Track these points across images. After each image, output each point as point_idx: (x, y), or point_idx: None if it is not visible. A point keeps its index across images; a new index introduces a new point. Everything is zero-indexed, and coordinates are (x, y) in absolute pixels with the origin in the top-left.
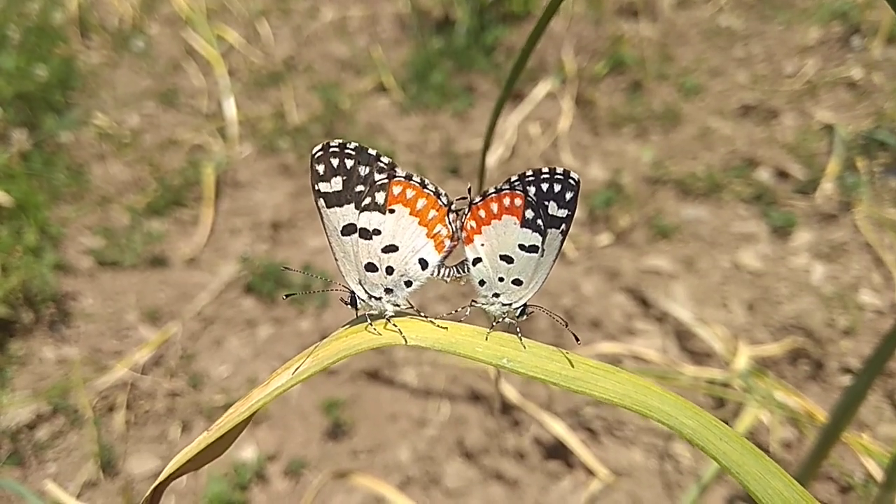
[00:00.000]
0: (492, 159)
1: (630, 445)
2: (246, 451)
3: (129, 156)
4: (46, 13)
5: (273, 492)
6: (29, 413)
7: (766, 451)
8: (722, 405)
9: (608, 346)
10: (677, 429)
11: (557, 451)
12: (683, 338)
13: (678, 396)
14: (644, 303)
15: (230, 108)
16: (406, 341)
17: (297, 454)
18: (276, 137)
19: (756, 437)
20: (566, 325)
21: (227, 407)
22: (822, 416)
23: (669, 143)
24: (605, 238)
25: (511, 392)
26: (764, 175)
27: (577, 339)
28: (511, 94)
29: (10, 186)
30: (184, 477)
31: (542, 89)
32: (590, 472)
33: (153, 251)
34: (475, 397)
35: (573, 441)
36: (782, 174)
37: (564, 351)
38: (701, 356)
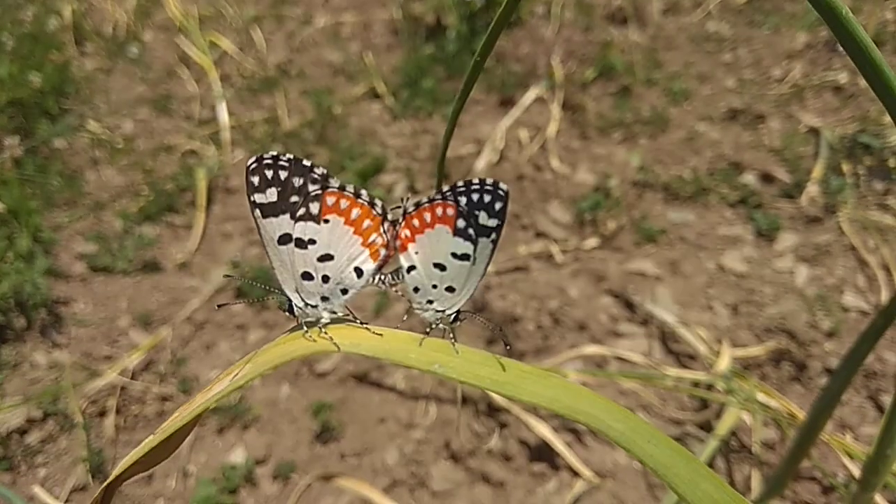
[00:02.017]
0: (480, 164)
1: (614, 447)
2: (235, 455)
3: (122, 162)
4: (41, 20)
5: (262, 495)
6: (20, 418)
7: (749, 452)
8: (705, 407)
9: (593, 349)
10: (604, 432)
11: (543, 453)
12: (668, 340)
13: (608, 400)
14: (629, 306)
15: (223, 114)
16: (339, 349)
17: (285, 457)
18: (269, 143)
19: (739, 438)
20: (500, 330)
21: (216, 411)
22: (803, 416)
23: (657, 147)
24: (592, 241)
25: (497, 395)
26: (750, 179)
27: (508, 346)
28: (500, 99)
29: (2, 192)
30: (172, 480)
31: (531, 94)
32: (575, 474)
33: (145, 256)
34: (462, 400)
35: (558, 443)
36: (768, 178)
37: (498, 356)
38: (685, 358)
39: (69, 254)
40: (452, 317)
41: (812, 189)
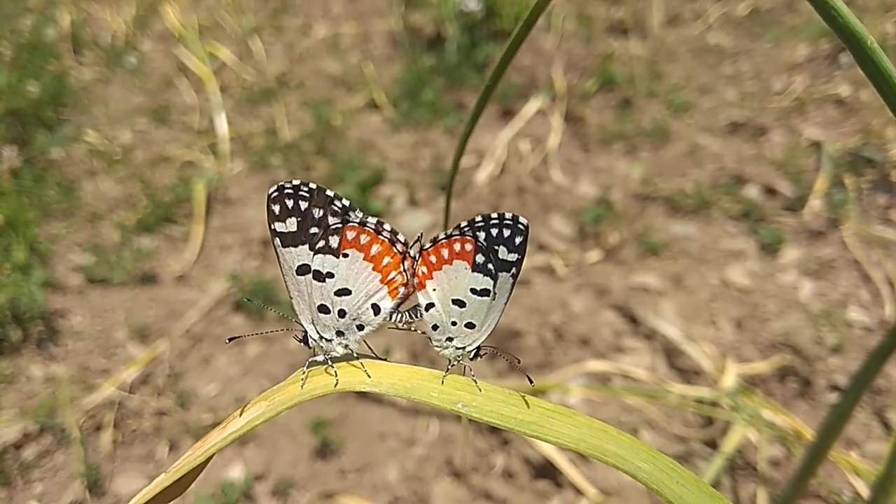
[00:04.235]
0: (482, 176)
1: None
2: (233, 471)
3: (119, 172)
4: (39, 29)
5: None
6: (16, 432)
7: (754, 470)
8: (710, 424)
9: (597, 365)
10: (633, 473)
11: (546, 471)
12: (672, 355)
13: (634, 439)
14: (633, 320)
15: (222, 125)
16: (346, 386)
17: (284, 474)
18: (268, 154)
19: (744, 456)
20: (518, 363)
21: (215, 426)
22: (809, 434)
23: (659, 159)
24: (594, 255)
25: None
26: (752, 192)
27: (532, 382)
28: (501, 110)
29: None
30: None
31: (532, 106)
32: (578, 492)
33: (143, 268)
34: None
35: (562, 461)
36: (770, 191)
37: (521, 393)
38: (689, 374)
39: (66, 265)
40: (473, 353)
41: (815, 203)
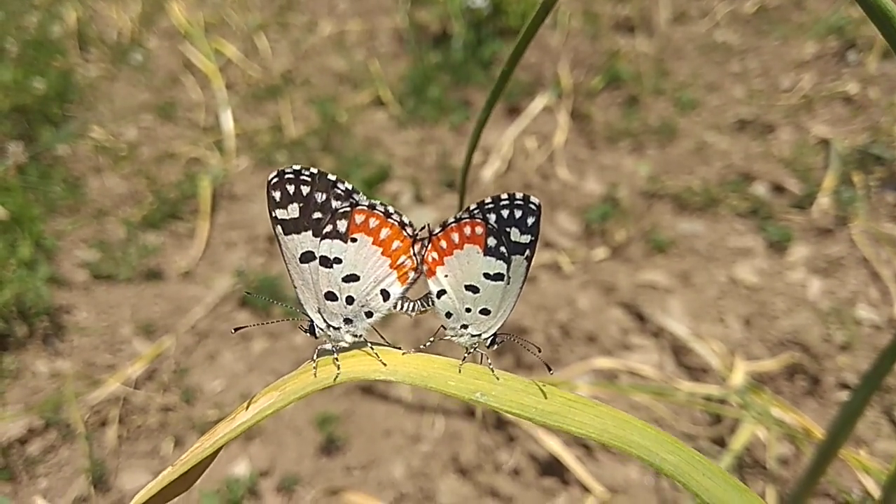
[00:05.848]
0: (488, 173)
1: (626, 462)
2: (239, 467)
3: (125, 169)
4: (45, 26)
5: None
6: (21, 427)
7: (763, 468)
8: (718, 421)
9: (604, 362)
10: (658, 466)
11: (553, 468)
12: (680, 353)
13: (659, 430)
14: (640, 317)
15: (227, 122)
16: (361, 375)
17: (290, 470)
18: (273, 151)
19: (753, 454)
20: (539, 351)
21: (220, 422)
22: (819, 432)
23: (666, 157)
24: (601, 252)
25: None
26: (760, 189)
27: (550, 370)
28: (507, 107)
29: (5, 199)
30: None
31: (538, 103)
32: (585, 489)
33: (148, 264)
34: (470, 412)
35: (568, 457)
36: (778, 188)
37: (540, 383)
38: (697, 371)
39: (72, 261)
40: (489, 340)
41: (823, 200)
